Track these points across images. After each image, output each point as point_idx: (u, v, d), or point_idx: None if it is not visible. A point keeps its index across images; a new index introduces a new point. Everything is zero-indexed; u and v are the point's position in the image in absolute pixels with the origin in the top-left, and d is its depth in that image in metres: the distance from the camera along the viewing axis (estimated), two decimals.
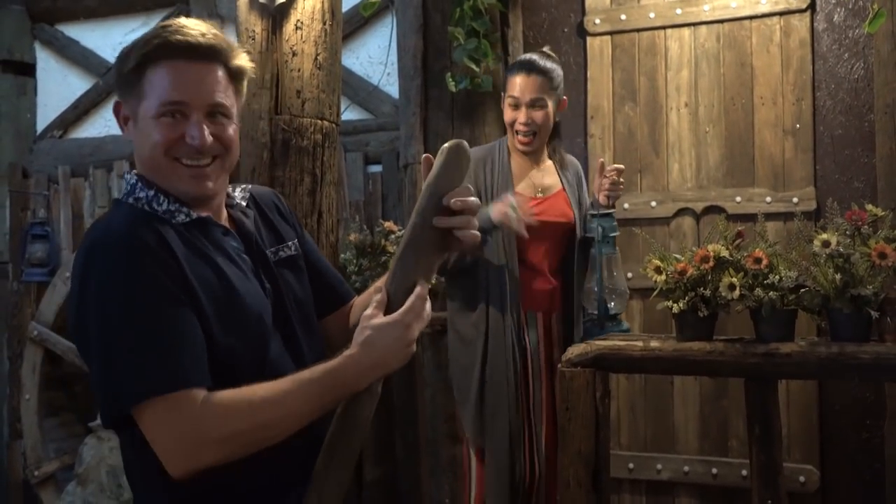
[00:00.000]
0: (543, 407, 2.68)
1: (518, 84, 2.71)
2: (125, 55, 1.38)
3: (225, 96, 1.40)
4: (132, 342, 1.26)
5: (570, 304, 2.74)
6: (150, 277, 1.28)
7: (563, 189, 2.78)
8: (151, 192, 1.40)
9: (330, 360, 1.32)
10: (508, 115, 2.75)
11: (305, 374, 1.31)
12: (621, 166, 2.73)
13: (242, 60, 1.44)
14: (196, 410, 1.24)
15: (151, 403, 1.24)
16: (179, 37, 1.35)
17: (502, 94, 2.80)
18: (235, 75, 1.43)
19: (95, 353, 1.29)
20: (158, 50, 1.35)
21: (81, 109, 4.47)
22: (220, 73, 1.40)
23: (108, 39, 4.42)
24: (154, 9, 4.33)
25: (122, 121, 1.44)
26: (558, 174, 2.81)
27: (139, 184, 1.42)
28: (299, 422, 1.30)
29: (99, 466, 3.65)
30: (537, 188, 2.76)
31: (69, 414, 4.13)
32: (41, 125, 4.54)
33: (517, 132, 2.73)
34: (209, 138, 1.38)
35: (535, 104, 2.70)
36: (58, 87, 4.53)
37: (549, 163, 2.83)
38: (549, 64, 2.74)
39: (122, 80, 1.40)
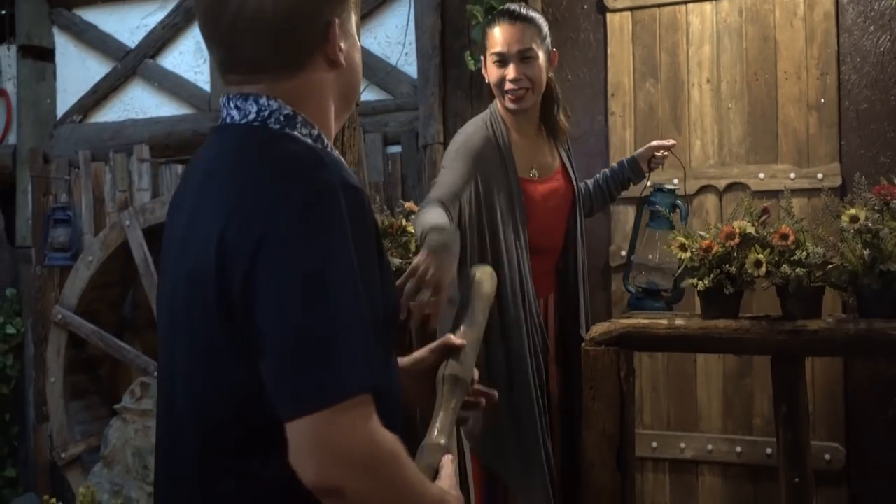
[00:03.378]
0: (556, 396, 2.54)
1: (501, 36, 2.37)
2: None
3: None
4: (350, 323, 1.04)
5: (570, 283, 2.58)
6: (370, 246, 1.11)
7: (562, 162, 2.62)
8: (316, 131, 1.21)
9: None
10: (494, 74, 2.40)
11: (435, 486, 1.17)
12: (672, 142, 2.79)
13: None
14: (367, 425, 1.05)
15: (339, 404, 1.02)
16: None
17: (482, 56, 2.47)
18: None
19: (289, 324, 1.03)
20: None
21: (100, 94, 4.47)
22: None
23: (126, 23, 4.42)
24: None
25: (336, 47, 1.23)
26: (554, 146, 2.62)
27: (298, 116, 1.19)
28: None
29: (125, 448, 3.68)
30: (532, 168, 2.54)
31: (94, 397, 4.17)
32: (61, 110, 4.55)
33: (506, 92, 2.40)
34: None
35: (524, 56, 2.38)
36: (76, 71, 4.53)
37: (543, 132, 2.60)
38: (532, 12, 2.47)
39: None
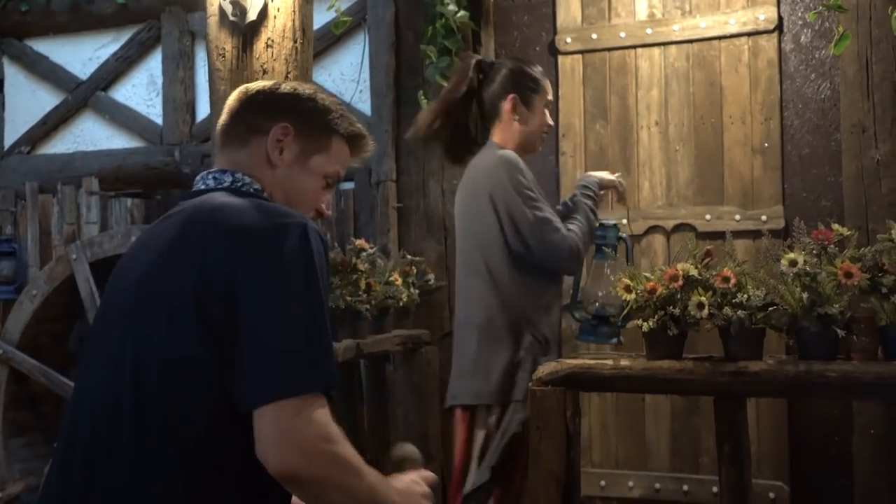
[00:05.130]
0: None
1: (550, 89, 2.72)
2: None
3: None
4: (321, 329, 1.26)
5: None
6: (324, 271, 1.32)
7: None
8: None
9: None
10: (545, 119, 2.70)
11: (383, 479, 1.34)
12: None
13: None
14: (325, 419, 1.23)
15: (306, 397, 1.22)
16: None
17: (533, 95, 2.66)
18: None
19: (285, 324, 1.24)
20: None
21: (50, 125, 4.42)
22: None
23: (78, 55, 4.39)
24: (125, 24, 4.30)
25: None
26: None
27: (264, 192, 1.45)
28: None
29: None
30: None
31: (35, 433, 4.06)
32: (9, 141, 4.49)
33: (544, 133, 2.71)
34: None
35: None
36: (26, 102, 4.48)
37: None
38: None
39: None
